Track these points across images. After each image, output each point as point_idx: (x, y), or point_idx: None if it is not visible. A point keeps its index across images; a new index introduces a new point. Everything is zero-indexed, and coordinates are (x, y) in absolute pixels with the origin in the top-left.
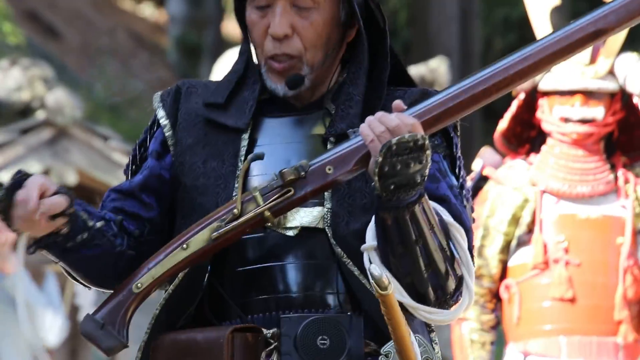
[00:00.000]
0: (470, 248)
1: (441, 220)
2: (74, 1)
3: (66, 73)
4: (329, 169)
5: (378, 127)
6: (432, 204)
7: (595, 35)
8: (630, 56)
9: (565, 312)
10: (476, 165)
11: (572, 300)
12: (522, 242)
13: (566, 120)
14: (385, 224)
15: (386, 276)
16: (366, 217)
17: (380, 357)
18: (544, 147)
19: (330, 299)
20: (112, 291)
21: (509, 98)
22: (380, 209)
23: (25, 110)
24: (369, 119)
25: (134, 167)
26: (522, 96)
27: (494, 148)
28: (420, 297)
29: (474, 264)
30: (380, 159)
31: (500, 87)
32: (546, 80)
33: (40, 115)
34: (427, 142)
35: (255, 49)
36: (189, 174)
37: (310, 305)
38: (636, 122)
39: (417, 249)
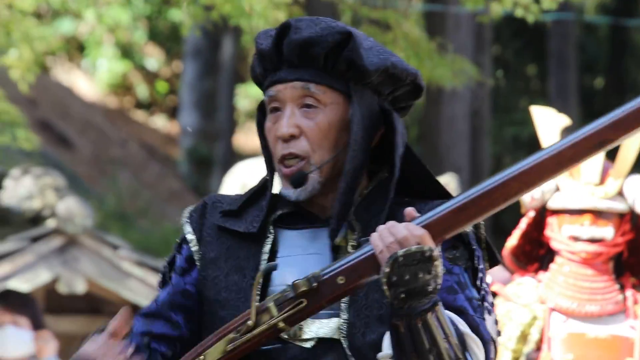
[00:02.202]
0: (489, 359)
1: (457, 330)
2: (86, 112)
3: (77, 182)
4: (341, 279)
5: (387, 238)
6: (449, 314)
7: (600, 145)
8: (639, 178)
9: None
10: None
11: None
12: (531, 359)
13: (575, 239)
14: (399, 332)
15: None
16: (382, 328)
17: None
18: (552, 265)
19: None
20: None
21: (518, 215)
22: (393, 317)
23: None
24: (380, 228)
25: (163, 285)
26: (531, 214)
27: (503, 265)
28: None
29: None
30: (387, 270)
31: (507, 195)
32: (556, 199)
33: (50, 223)
34: (435, 253)
35: (272, 157)
36: (211, 288)
37: None
38: None
39: (430, 358)
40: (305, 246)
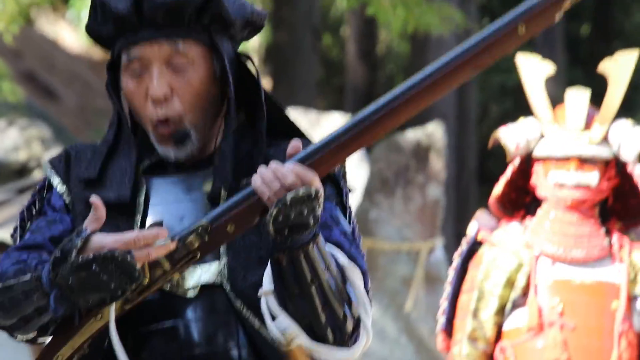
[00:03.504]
0: (367, 289)
1: (337, 262)
2: (72, 63)
3: (63, 134)
4: (230, 227)
5: (273, 184)
6: (328, 246)
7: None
8: (624, 123)
9: None
10: (471, 228)
11: None
12: (517, 305)
13: (561, 185)
14: (281, 266)
15: (291, 330)
16: (263, 269)
17: None
18: (539, 211)
19: (235, 354)
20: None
21: (504, 162)
22: (275, 251)
23: (22, 170)
24: (263, 171)
25: (22, 231)
26: (517, 162)
27: (489, 212)
28: (319, 338)
29: (371, 305)
30: (274, 212)
31: (389, 128)
32: (541, 147)
33: (37, 175)
34: (320, 192)
35: (139, 118)
36: None
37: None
38: (631, 190)
39: (312, 290)
40: (176, 192)
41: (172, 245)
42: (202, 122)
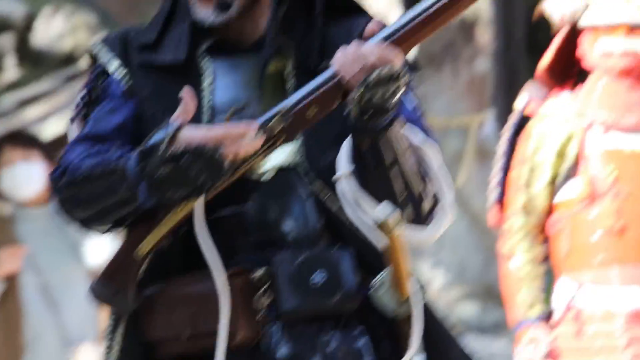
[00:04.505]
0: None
1: (412, 142)
2: None
3: (110, 20)
4: (312, 111)
5: (354, 65)
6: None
7: None
8: None
9: (615, 243)
10: (521, 100)
11: (622, 231)
12: (569, 176)
13: (609, 53)
14: (361, 149)
15: (394, 217)
16: (337, 148)
17: (373, 287)
18: (588, 80)
19: (316, 236)
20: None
21: (551, 33)
22: (355, 135)
23: (69, 58)
24: (343, 52)
25: (82, 119)
26: (564, 31)
27: (538, 82)
28: None
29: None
30: (357, 95)
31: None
32: (587, 16)
33: (83, 63)
34: (403, 72)
35: None
36: (149, 126)
37: (297, 243)
38: None
39: (393, 172)
40: (240, 77)
41: (258, 142)
42: None
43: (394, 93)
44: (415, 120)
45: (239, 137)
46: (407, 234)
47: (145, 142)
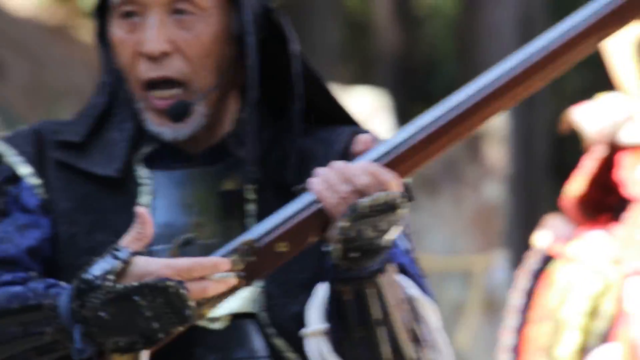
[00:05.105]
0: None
1: (408, 293)
2: (20, 30)
3: (9, 116)
4: (284, 246)
5: (340, 186)
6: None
7: (600, 38)
8: None
9: None
10: (542, 238)
11: None
12: (604, 340)
13: None
14: (342, 301)
15: None
16: (305, 296)
17: None
18: (629, 215)
19: None
20: None
21: (581, 151)
22: (337, 282)
23: None
24: (324, 173)
25: None
26: (599, 151)
27: (563, 217)
28: None
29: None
30: (346, 224)
31: (488, 115)
32: (630, 132)
33: None
34: (403, 200)
35: (126, 76)
36: (68, 250)
37: None
38: None
39: (381, 332)
40: (186, 194)
41: (233, 281)
42: (212, 89)
43: (389, 228)
44: (410, 265)
45: (210, 271)
46: None
47: (82, 273)
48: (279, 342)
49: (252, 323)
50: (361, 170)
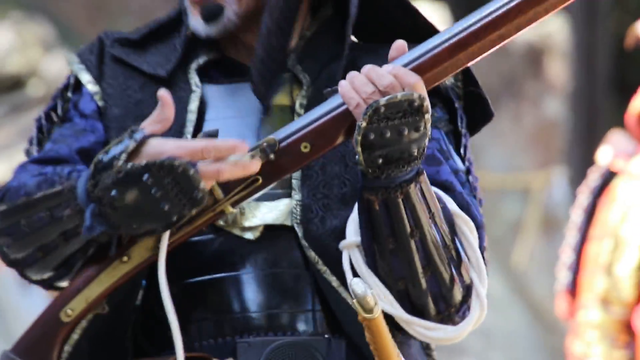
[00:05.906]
0: (482, 248)
1: (445, 209)
2: None
3: (69, 33)
4: (305, 147)
5: (365, 87)
6: (434, 189)
7: None
8: None
9: None
10: (603, 155)
11: None
12: None
13: None
14: (372, 210)
15: (371, 294)
16: (346, 211)
17: None
18: None
19: (302, 320)
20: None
21: None
22: (365, 190)
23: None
24: (353, 75)
25: (39, 146)
26: None
27: (623, 132)
28: (416, 310)
29: (486, 266)
30: (364, 124)
31: (521, 23)
32: None
33: (33, 88)
34: (426, 103)
35: None
36: None
37: (275, 327)
38: None
39: (412, 245)
40: (239, 106)
41: (253, 165)
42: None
43: (415, 133)
44: (457, 184)
45: (225, 153)
46: (425, 331)
47: (100, 153)
48: (312, 255)
49: (287, 235)
50: (386, 72)
